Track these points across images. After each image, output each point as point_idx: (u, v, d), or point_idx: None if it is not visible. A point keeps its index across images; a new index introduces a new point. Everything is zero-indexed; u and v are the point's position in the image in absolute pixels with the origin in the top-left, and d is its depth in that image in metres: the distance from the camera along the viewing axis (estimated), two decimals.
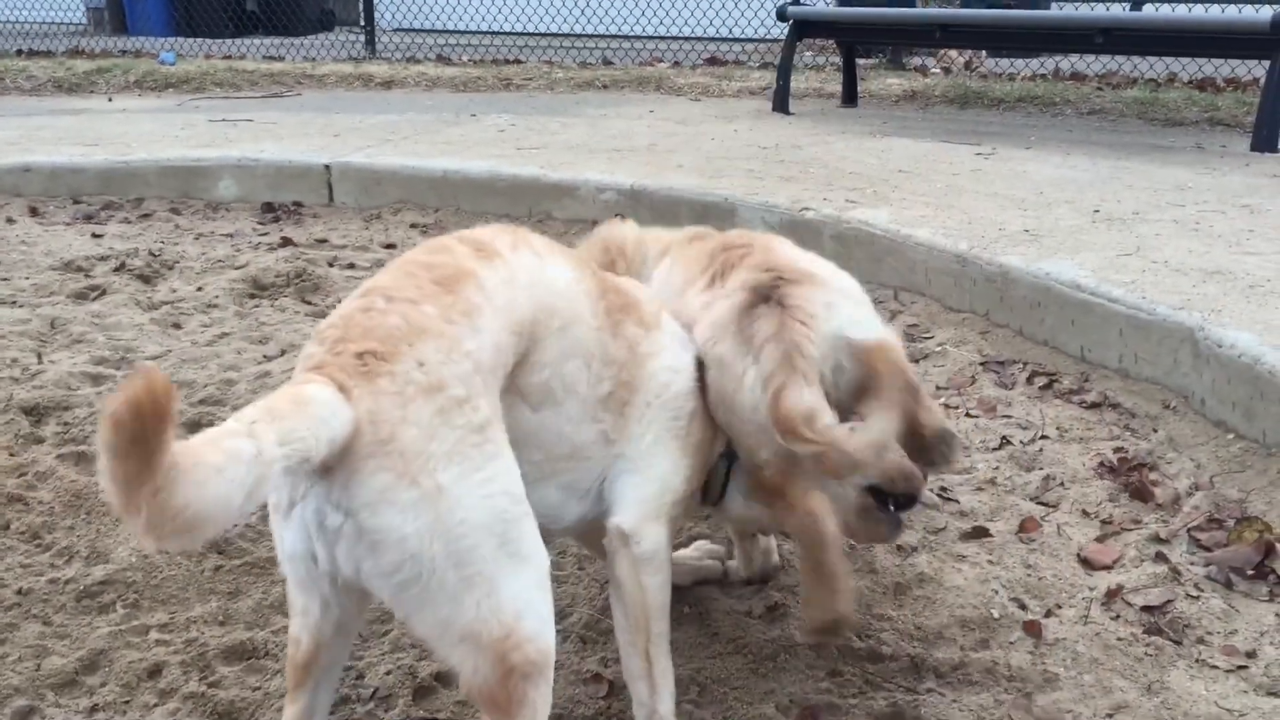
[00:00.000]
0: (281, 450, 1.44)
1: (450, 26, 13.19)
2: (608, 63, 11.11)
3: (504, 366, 1.75)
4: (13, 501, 3.00)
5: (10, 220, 5.85)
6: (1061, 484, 3.07)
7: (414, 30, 13.23)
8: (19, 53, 12.32)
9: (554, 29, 12.83)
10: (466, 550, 1.57)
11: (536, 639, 1.63)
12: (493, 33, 12.56)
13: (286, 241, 5.52)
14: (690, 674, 2.40)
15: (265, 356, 4.10)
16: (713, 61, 10.88)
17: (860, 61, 9.31)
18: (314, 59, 11.61)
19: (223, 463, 1.39)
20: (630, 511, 2.01)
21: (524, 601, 1.62)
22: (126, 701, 2.35)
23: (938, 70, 10.02)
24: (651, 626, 2.03)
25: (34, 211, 6.00)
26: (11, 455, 3.25)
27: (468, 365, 1.65)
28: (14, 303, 4.61)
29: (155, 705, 2.34)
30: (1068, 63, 9.71)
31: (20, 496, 3.02)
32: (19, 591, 2.67)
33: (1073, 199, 5.01)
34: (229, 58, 11.62)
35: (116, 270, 5.02)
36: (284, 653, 2.48)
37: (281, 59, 11.59)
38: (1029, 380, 3.70)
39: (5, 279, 4.90)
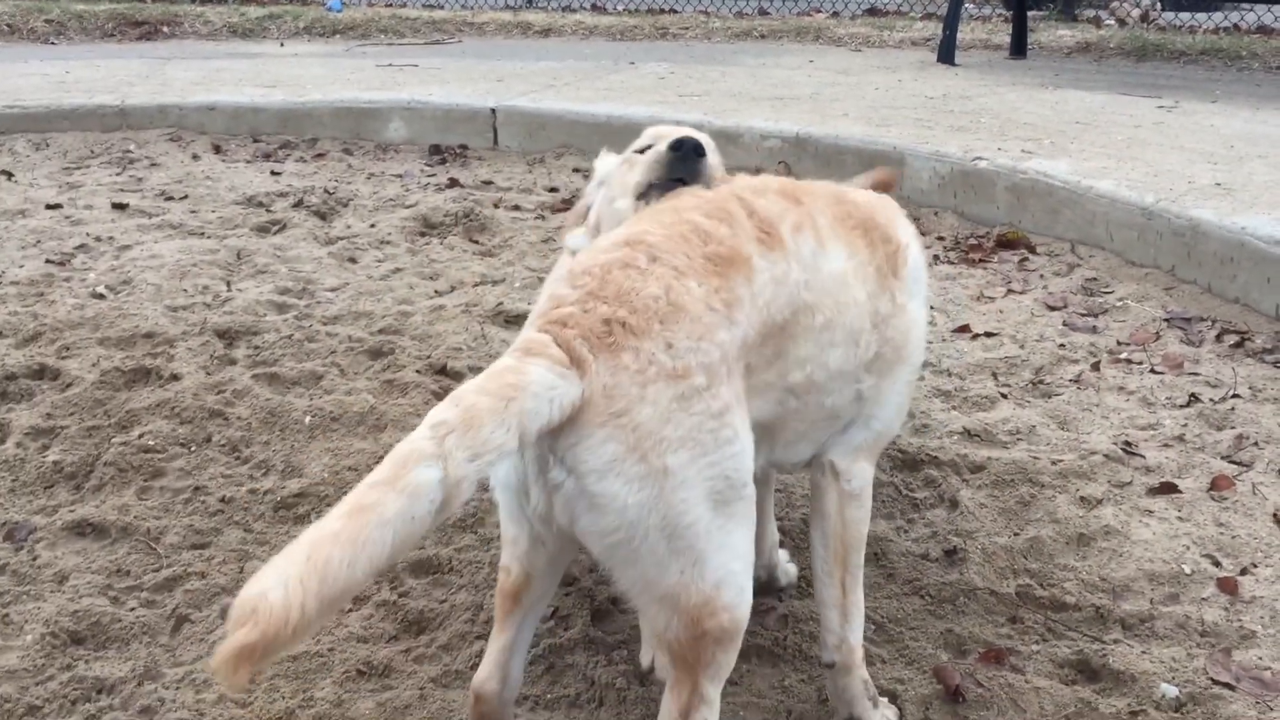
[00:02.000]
0: (472, 466, 1.45)
1: None
2: (764, 13, 10.97)
3: (750, 355, 1.72)
4: (213, 416, 3.16)
5: (196, 156, 6.12)
6: (1256, 444, 2.95)
7: None
8: None
9: None
10: (683, 526, 1.59)
11: (733, 609, 1.66)
12: None
13: (454, 182, 5.64)
14: (867, 613, 2.40)
15: (436, 291, 4.21)
16: (872, 12, 10.64)
17: (1029, 13, 8.98)
18: (472, 7, 11.76)
19: (401, 509, 1.42)
20: (846, 451, 2.00)
21: (726, 572, 1.65)
22: None
23: (1111, 22, 9.60)
24: (849, 559, 2.03)
25: (217, 149, 6.26)
26: (209, 375, 3.42)
27: (715, 355, 1.62)
28: (203, 234, 4.83)
29: (350, 610, 2.45)
30: (1253, 15, 9.18)
31: (220, 412, 3.18)
32: (222, 500, 2.82)
33: (1266, 154, 4.76)
34: (391, 5, 11.86)
35: (295, 206, 5.21)
36: (468, 569, 2.58)
37: (441, 6, 11.77)
38: (1218, 338, 3.55)
39: (194, 211, 5.14)
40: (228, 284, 4.23)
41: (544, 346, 1.56)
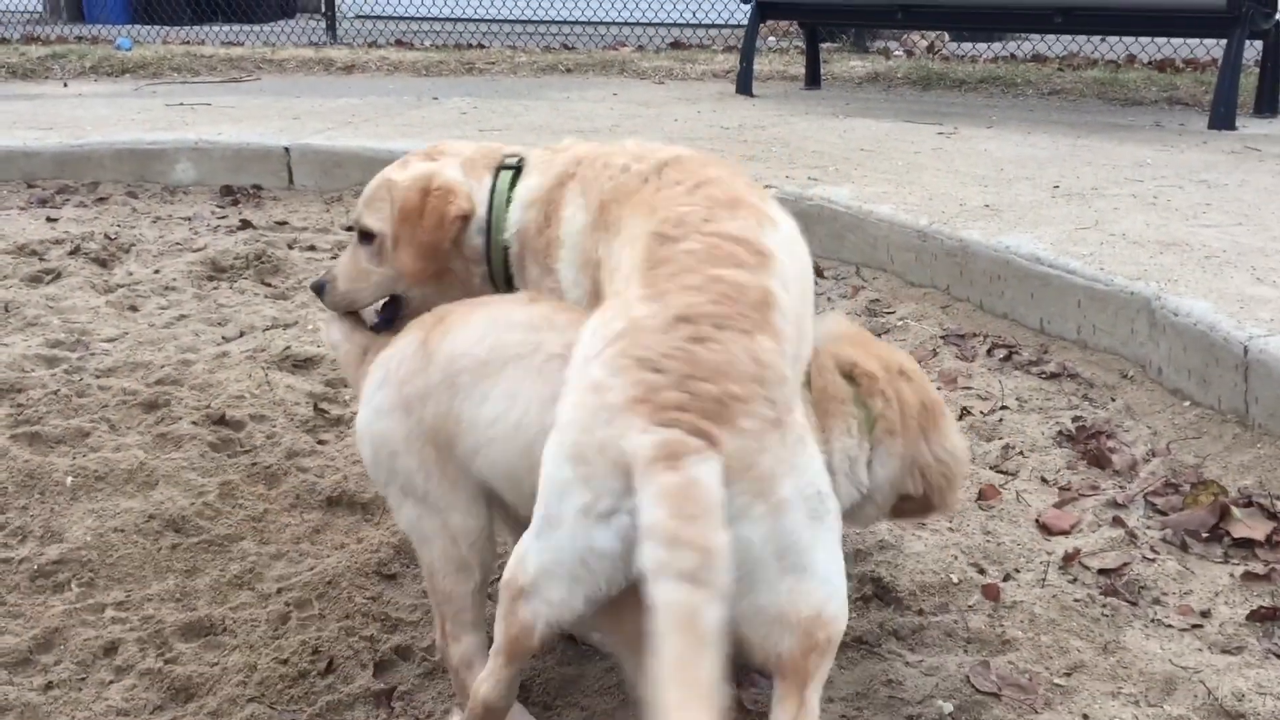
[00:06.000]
0: None
1: (412, 13, 13.07)
2: (569, 47, 11.06)
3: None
4: None
5: None
6: (1020, 453, 3.09)
7: (376, 16, 13.10)
8: None
9: (517, 15, 12.73)
10: (791, 544, 1.71)
11: (838, 618, 1.77)
12: (455, 19, 12.46)
13: (246, 224, 5.46)
14: None
15: (224, 338, 4.06)
16: (676, 45, 10.85)
17: (824, 45, 9.32)
18: (273, 44, 11.49)
19: None
20: None
21: (831, 585, 1.75)
22: (82, 679, 2.33)
23: (900, 53, 10.05)
24: None
25: None
26: None
27: (790, 388, 1.77)
28: None
29: (111, 682, 2.32)
30: (1029, 44, 9.75)
31: None
32: None
33: (1032, 176, 5.04)
34: (188, 42, 11.48)
35: (72, 254, 4.95)
36: (243, 628, 2.48)
37: (240, 44, 11.46)
38: (989, 352, 3.72)
39: None
40: None
41: (690, 450, 1.64)
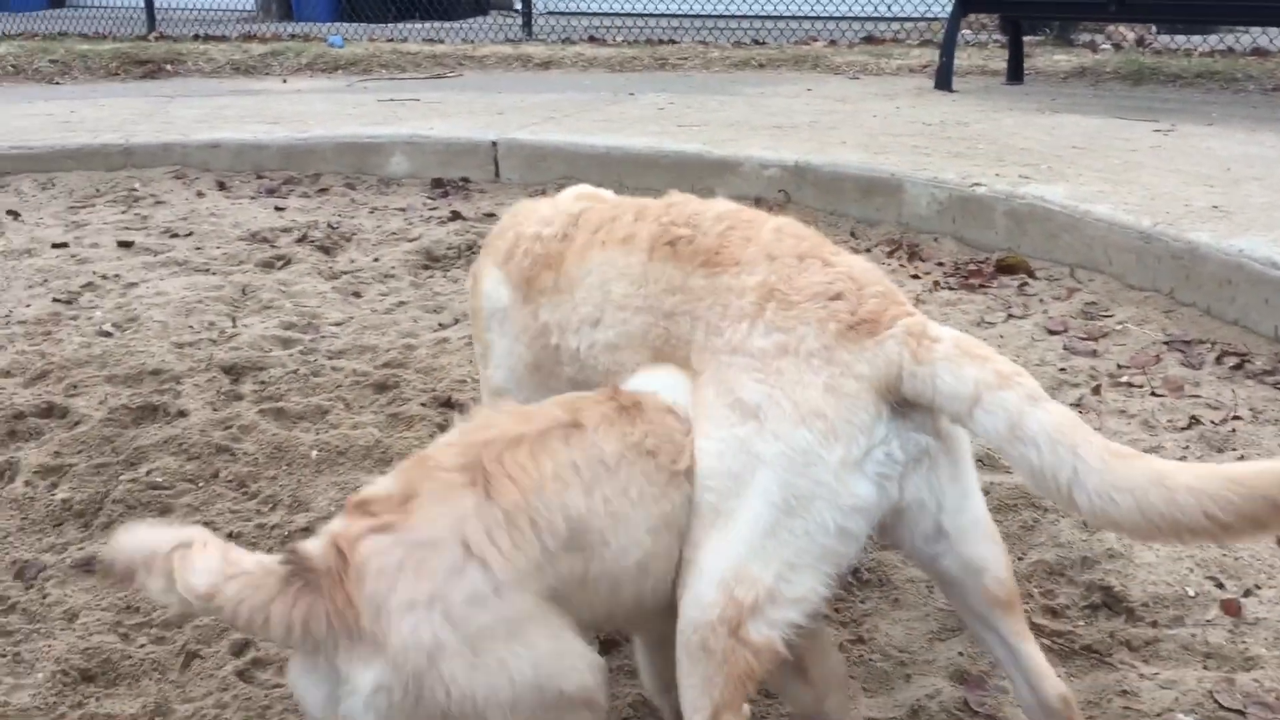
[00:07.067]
0: None
1: (604, 9, 13.29)
2: (760, 42, 11.05)
3: None
4: (220, 452, 3.19)
5: (200, 194, 6.17)
6: None
7: (569, 13, 13.37)
8: (195, 37, 12.91)
9: (708, 10, 12.79)
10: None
11: None
12: (646, 14, 12.61)
13: (456, 215, 5.68)
14: (877, 637, 2.41)
15: (440, 324, 4.24)
16: (870, 40, 10.71)
17: (1026, 38, 9.03)
18: (473, 40, 11.86)
19: None
20: None
21: None
22: None
23: (1108, 46, 9.66)
24: None
25: (221, 185, 6.31)
26: (215, 411, 3.45)
27: None
28: (208, 270, 4.87)
29: None
30: (1249, 37, 9.24)
31: (227, 448, 3.20)
32: (230, 535, 2.83)
33: (1262, 176, 4.79)
34: (392, 40, 11.96)
35: (299, 241, 5.25)
36: None
37: (442, 41, 11.87)
38: (1218, 360, 3.57)
39: (199, 248, 5.18)
40: (233, 320, 4.26)
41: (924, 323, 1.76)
